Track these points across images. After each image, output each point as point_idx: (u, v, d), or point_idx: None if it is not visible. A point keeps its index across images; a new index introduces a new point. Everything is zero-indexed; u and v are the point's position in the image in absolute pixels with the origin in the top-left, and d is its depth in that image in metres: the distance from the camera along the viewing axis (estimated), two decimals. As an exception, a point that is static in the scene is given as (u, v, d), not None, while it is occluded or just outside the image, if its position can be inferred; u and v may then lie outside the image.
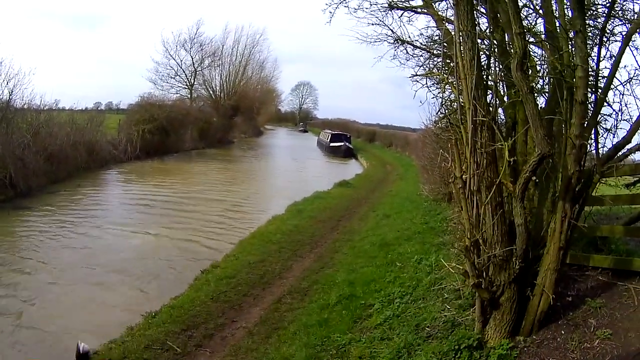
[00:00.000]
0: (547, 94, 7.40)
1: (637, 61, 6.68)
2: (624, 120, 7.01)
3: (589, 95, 6.58)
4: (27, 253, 17.60)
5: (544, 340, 7.03)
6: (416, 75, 8.59)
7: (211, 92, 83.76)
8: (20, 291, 14.12)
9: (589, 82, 6.54)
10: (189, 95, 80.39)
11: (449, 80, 7.54)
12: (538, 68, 7.62)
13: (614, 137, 7.13)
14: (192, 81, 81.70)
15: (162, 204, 27.79)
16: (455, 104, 7.45)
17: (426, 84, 8.54)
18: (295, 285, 14.21)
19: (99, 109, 63.38)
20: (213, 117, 73.30)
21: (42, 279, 15.10)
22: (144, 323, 11.59)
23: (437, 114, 11.22)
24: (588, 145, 6.78)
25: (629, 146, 7.10)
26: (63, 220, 22.59)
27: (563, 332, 7.03)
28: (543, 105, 7.05)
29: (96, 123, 40.83)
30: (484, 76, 7.05)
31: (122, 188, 33.56)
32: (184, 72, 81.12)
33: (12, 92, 28.10)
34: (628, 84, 6.85)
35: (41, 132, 31.01)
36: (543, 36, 7.43)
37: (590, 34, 7.17)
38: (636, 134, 6.97)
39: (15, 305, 13.18)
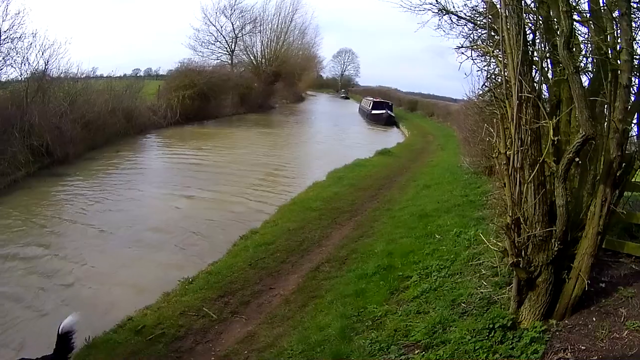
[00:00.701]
0: (590, 74, 7.22)
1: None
2: None
3: (634, 79, 6.41)
4: (68, 217, 17.94)
5: (575, 326, 6.94)
6: (461, 47, 8.44)
7: (252, 58, 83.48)
8: (60, 251, 14.41)
9: (634, 66, 6.36)
10: (229, 62, 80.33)
11: (494, 54, 7.41)
12: (582, 47, 7.42)
13: None
14: (233, 47, 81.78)
15: (200, 169, 28.04)
16: (500, 78, 7.29)
17: (471, 55, 8.39)
18: (333, 254, 14.15)
19: (137, 75, 63.25)
20: (254, 82, 72.95)
21: (81, 243, 15.35)
22: (181, 289, 11.71)
23: (481, 87, 11.01)
24: (631, 130, 6.62)
25: None
26: (101, 185, 23.05)
27: (594, 319, 6.94)
28: (586, 85, 6.86)
29: (135, 89, 41.07)
30: (530, 52, 6.89)
31: (162, 153, 33.91)
32: (224, 38, 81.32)
33: (47, 62, 28.34)
34: None
35: (78, 100, 31.26)
36: (588, 15, 7.23)
37: (635, 17, 6.95)
38: None
39: (56, 266, 13.43)
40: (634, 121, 6.73)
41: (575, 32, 6.75)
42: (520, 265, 6.83)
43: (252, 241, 14.99)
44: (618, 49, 6.34)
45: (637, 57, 6.56)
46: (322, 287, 11.87)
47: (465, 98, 26.42)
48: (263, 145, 39.25)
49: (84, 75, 35.00)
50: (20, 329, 10.55)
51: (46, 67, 28.38)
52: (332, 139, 49.07)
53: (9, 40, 25.23)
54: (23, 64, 26.77)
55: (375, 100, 75.82)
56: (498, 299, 8.35)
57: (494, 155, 7.42)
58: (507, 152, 6.68)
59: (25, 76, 26.99)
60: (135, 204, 20.13)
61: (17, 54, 26.08)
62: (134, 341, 9.21)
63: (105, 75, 41.87)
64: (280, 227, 16.38)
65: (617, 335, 6.50)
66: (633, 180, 7.34)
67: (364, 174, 27.13)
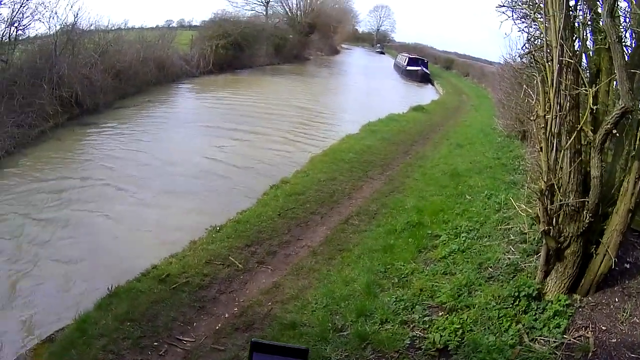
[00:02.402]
0: (629, 47, 7.04)
1: None
2: None
3: None
4: (95, 166, 18.11)
5: (598, 304, 6.92)
6: (502, 6, 8.26)
7: (287, 9, 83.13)
8: (89, 200, 14.67)
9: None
10: (264, 13, 79.97)
11: (536, 16, 7.24)
12: (622, 19, 7.23)
13: None
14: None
15: (232, 117, 28.14)
16: (541, 40, 7.12)
17: (511, 16, 8.22)
18: (363, 207, 14.18)
19: (170, 26, 63.04)
20: (289, 34, 72.50)
21: (111, 191, 15.67)
22: (208, 237, 11.70)
23: (521, 48, 10.82)
24: None
25: None
26: (131, 133, 23.34)
27: (617, 299, 6.90)
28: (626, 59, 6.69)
29: (167, 39, 40.96)
30: (572, 17, 6.72)
31: (193, 102, 34.03)
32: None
33: (76, 15, 28.28)
34: None
35: (109, 51, 31.34)
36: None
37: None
38: None
39: (84, 216, 13.65)
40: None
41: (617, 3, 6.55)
42: (551, 234, 6.75)
43: (282, 190, 15.01)
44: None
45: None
46: (351, 240, 11.88)
47: (502, 61, 26.22)
48: (296, 95, 39.24)
49: (115, 27, 35.15)
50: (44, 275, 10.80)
51: (75, 20, 28.40)
52: (366, 92, 48.86)
53: (38, -5, 25.22)
54: (51, 18, 26.74)
55: (410, 56, 74.95)
56: (525, 266, 8.31)
57: (532, 118, 7.30)
58: (546, 116, 6.54)
59: (54, 30, 26.95)
60: (166, 151, 20.27)
61: (45, 8, 26.04)
62: (157, 290, 9.24)
63: (137, 27, 41.83)
64: (311, 178, 16.39)
65: (637, 320, 6.50)
66: None
67: (398, 129, 27.04)
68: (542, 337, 6.57)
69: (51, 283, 10.46)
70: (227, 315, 8.72)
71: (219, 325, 8.44)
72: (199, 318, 8.62)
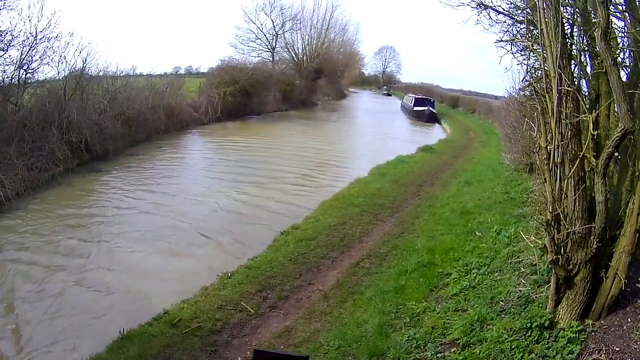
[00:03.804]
0: (628, 69, 7.12)
1: None
2: None
3: None
4: (105, 213, 18.12)
5: (611, 326, 6.85)
6: (501, 40, 8.39)
7: (293, 55, 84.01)
8: (99, 257, 14.52)
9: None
10: (270, 59, 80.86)
11: (534, 48, 7.34)
12: (619, 41, 7.32)
13: None
14: (274, 44, 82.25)
15: (243, 164, 28.24)
16: (540, 71, 7.22)
17: (510, 50, 8.34)
18: (374, 250, 14.18)
19: (178, 73, 63.85)
20: (296, 79, 73.00)
21: (122, 243, 15.46)
22: (219, 283, 11.75)
23: (522, 81, 10.94)
24: None
25: None
26: (141, 181, 23.41)
27: (630, 320, 6.84)
28: (625, 79, 6.75)
29: (176, 86, 41.34)
30: (568, 45, 6.81)
31: (203, 149, 34.11)
32: (265, 35, 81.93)
33: (85, 60, 28.58)
34: None
35: (118, 97, 31.67)
36: (624, 7, 7.11)
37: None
38: None
39: (99, 273, 13.52)
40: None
41: (612, 26, 6.64)
42: (560, 263, 6.75)
43: (292, 236, 15.00)
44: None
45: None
46: (362, 283, 11.90)
47: (506, 95, 26.36)
48: (305, 142, 39.35)
49: (124, 74, 35.39)
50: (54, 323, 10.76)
51: (84, 65, 28.70)
52: (374, 135, 49.01)
53: (45, 40, 25.54)
54: (60, 63, 27.04)
55: (417, 96, 75.67)
56: (536, 297, 8.27)
57: (534, 150, 7.41)
58: (548, 147, 6.60)
59: (63, 74, 27.25)
60: (177, 200, 20.28)
61: (54, 52, 26.38)
62: (169, 334, 9.30)
63: (145, 74, 42.33)
64: (321, 223, 16.41)
65: (651, 338, 6.42)
66: None
67: (406, 170, 27.09)
68: (555, 365, 6.53)
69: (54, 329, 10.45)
70: (239, 359, 8.74)
71: (232, 369, 8.46)
72: (211, 362, 8.63)
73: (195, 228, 16.74)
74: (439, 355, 7.66)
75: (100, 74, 31.53)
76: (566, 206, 6.66)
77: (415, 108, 70.14)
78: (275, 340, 9.21)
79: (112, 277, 12.91)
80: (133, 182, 23.03)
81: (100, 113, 28.18)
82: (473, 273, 10.58)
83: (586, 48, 7.15)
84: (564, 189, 6.62)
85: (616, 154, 6.20)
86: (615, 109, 6.63)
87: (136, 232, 16.28)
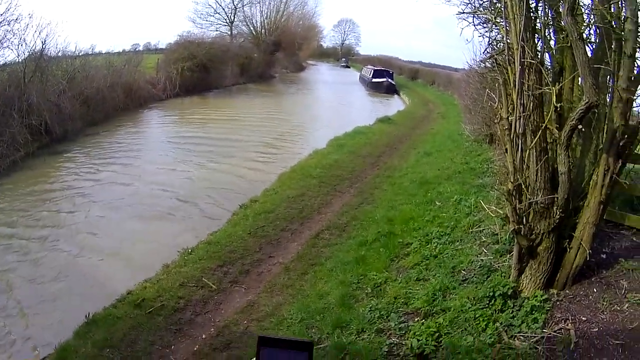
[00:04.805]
0: (593, 44, 7.13)
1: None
2: None
3: (639, 49, 6.31)
4: (67, 194, 17.75)
5: (576, 296, 6.94)
6: (463, 12, 8.33)
7: (252, 28, 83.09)
8: (62, 229, 14.50)
9: (639, 36, 6.26)
10: (229, 33, 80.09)
11: (496, 20, 7.31)
12: (585, 17, 7.32)
13: None
14: (233, 18, 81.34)
15: (200, 139, 27.96)
16: (502, 44, 7.20)
17: (472, 22, 8.29)
18: (333, 221, 14.19)
19: (136, 50, 62.77)
20: (254, 53, 72.38)
21: (81, 218, 15.36)
22: (180, 260, 11.64)
23: (483, 53, 10.92)
24: (634, 100, 6.51)
25: None
26: (101, 159, 22.87)
27: (595, 290, 6.93)
28: (590, 55, 6.76)
29: (134, 64, 40.55)
30: (533, 19, 6.78)
31: (162, 125, 33.67)
32: (223, 9, 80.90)
33: (44, 42, 27.94)
34: None
35: (77, 77, 30.96)
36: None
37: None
38: None
39: (58, 245, 13.47)
40: (639, 92, 6.63)
41: (578, 2, 6.63)
42: (522, 233, 6.79)
43: (251, 210, 14.95)
44: (622, 18, 6.23)
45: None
46: (322, 254, 11.91)
47: (466, 67, 26.42)
48: (263, 115, 39.19)
49: (82, 53, 34.56)
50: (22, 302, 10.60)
51: (43, 46, 27.97)
52: (332, 107, 49.19)
53: (6, 23, 24.98)
54: (20, 45, 26.45)
55: (375, 68, 75.55)
56: (499, 266, 8.34)
57: (495, 121, 7.37)
58: (509, 118, 6.61)
59: (23, 57, 26.69)
60: (136, 177, 19.96)
61: (13, 35, 25.85)
62: (134, 315, 9.19)
63: (104, 52, 41.58)
64: (280, 195, 16.35)
65: (618, 308, 6.50)
66: (637, 151, 7.32)
67: (365, 142, 27.11)
68: (521, 334, 6.56)
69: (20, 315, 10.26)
70: (204, 337, 8.71)
71: (197, 346, 8.44)
72: (176, 341, 8.60)
73: (155, 204, 16.61)
74: (403, 324, 7.69)
75: (60, 54, 30.92)
76: (528, 176, 6.71)
77: (374, 80, 69.92)
78: (238, 316, 9.18)
79: (74, 255, 12.80)
80: (92, 161, 22.52)
81: (59, 94, 27.48)
82: (434, 242, 10.65)
83: (551, 22, 7.15)
84: (526, 159, 6.66)
85: (580, 126, 6.22)
86: (580, 83, 6.64)
87: (95, 208, 16.10)
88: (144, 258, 12.35)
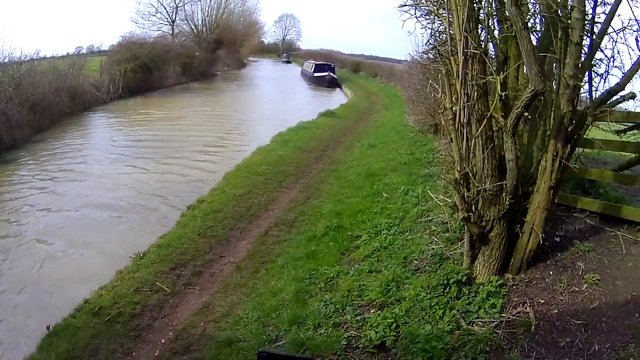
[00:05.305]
0: (538, 33, 7.27)
1: (632, 11, 6.53)
2: (615, 67, 6.96)
3: (584, 38, 6.44)
4: (16, 204, 17.39)
5: (533, 279, 7.09)
6: (404, 5, 8.40)
7: (193, 27, 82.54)
8: (11, 239, 14.15)
9: (585, 25, 6.39)
10: (170, 32, 79.58)
11: (439, 12, 7.39)
12: (530, 7, 7.45)
13: (605, 82, 7.11)
14: (174, 17, 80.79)
15: (146, 141, 27.64)
16: (445, 35, 7.28)
17: (414, 14, 8.36)
18: (281, 217, 14.24)
19: (80, 53, 61.93)
20: (196, 51, 71.96)
21: (31, 228, 15.00)
22: (133, 265, 11.53)
23: (425, 44, 11.02)
24: (581, 87, 6.66)
25: (622, 93, 7.10)
26: (49, 168, 22.25)
27: (551, 272, 7.09)
28: (535, 43, 6.89)
29: (77, 67, 39.68)
30: (476, 9, 6.87)
31: (107, 129, 33.00)
32: (165, 8, 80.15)
33: None
34: (622, 33, 6.72)
35: (23, 83, 30.24)
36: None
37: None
38: (629, 82, 6.95)
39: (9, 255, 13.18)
40: (585, 79, 6.78)
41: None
42: (472, 220, 6.90)
43: (199, 210, 14.90)
44: (569, 7, 6.35)
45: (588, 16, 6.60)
46: (273, 251, 11.94)
47: (408, 58, 26.68)
48: (206, 114, 38.99)
49: (28, 58, 33.87)
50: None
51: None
52: (275, 103, 49.06)
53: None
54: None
55: (317, 63, 75.81)
56: (451, 254, 8.47)
57: (439, 111, 7.45)
58: (453, 107, 6.70)
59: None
60: (84, 184, 19.52)
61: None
62: (93, 324, 9.06)
63: (48, 56, 40.81)
64: (227, 194, 16.30)
65: (577, 289, 6.66)
66: (585, 136, 7.51)
67: (308, 136, 27.25)
68: (479, 320, 6.68)
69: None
70: (163, 341, 8.66)
71: (158, 352, 8.37)
72: (137, 347, 8.53)
73: (105, 210, 16.37)
74: (359, 317, 7.74)
75: (6, 60, 30.39)
76: (475, 165, 6.80)
77: (316, 74, 70.13)
78: (195, 318, 9.15)
79: (29, 265, 12.58)
80: (41, 169, 21.88)
81: (6, 101, 26.93)
82: (383, 234, 10.75)
83: (494, 13, 7.26)
84: (472, 148, 6.76)
85: (526, 113, 6.32)
86: (525, 71, 6.76)
87: (46, 218, 15.79)
88: (98, 265, 12.22)
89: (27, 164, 23.05)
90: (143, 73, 48.82)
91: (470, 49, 6.42)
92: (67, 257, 13.08)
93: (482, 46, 6.87)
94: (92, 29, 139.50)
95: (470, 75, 6.52)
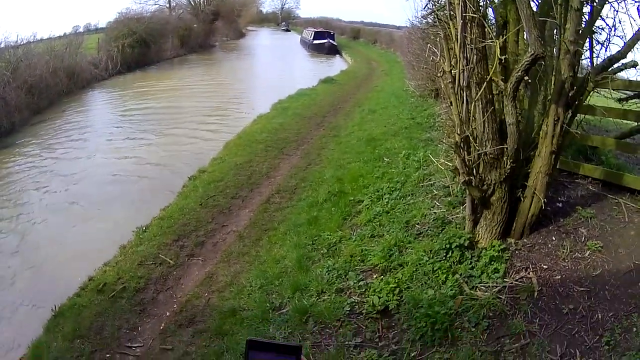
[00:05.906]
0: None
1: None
2: (617, 36, 6.84)
3: (585, 4, 6.35)
4: (21, 186, 17.32)
5: (535, 244, 7.06)
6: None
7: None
8: (17, 219, 14.16)
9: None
10: (167, 6, 78.95)
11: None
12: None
13: (606, 50, 7.00)
14: (170, -10, 79.88)
15: (147, 114, 27.56)
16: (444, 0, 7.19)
17: (413, -22, 8.27)
18: (283, 184, 14.23)
19: (77, 32, 61.64)
20: (193, 23, 71.50)
21: (38, 208, 14.97)
22: (135, 239, 11.52)
23: (423, 9, 10.94)
24: (582, 53, 6.60)
25: (623, 61, 7.03)
26: (51, 147, 22.14)
27: (554, 238, 7.05)
28: (535, 9, 6.79)
29: (75, 46, 39.21)
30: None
31: (107, 105, 32.87)
32: (161, -19, 79.23)
33: None
34: (623, 2, 6.59)
35: (20, 66, 29.94)
36: None
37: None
38: (631, 51, 6.89)
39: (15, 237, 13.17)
40: (586, 46, 6.70)
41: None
42: (473, 184, 6.85)
43: (200, 180, 14.86)
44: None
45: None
46: (275, 219, 11.94)
47: (408, 24, 26.50)
48: (205, 84, 38.78)
49: (25, 41, 33.68)
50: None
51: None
52: (274, 71, 48.50)
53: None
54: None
55: (316, 30, 75.34)
56: (452, 218, 8.43)
57: (438, 75, 7.36)
58: (452, 71, 6.61)
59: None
60: (87, 161, 19.48)
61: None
62: (98, 301, 9.07)
63: (45, 38, 40.54)
64: (227, 163, 16.28)
65: (579, 255, 6.63)
66: (587, 103, 7.46)
67: (309, 103, 27.13)
68: (482, 284, 6.68)
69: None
70: (168, 314, 8.70)
71: (163, 325, 8.41)
72: (142, 322, 8.56)
73: (109, 185, 16.33)
74: (362, 282, 7.75)
75: (2, 45, 30.25)
76: (475, 128, 6.73)
77: (315, 41, 69.86)
78: (199, 289, 9.18)
79: (33, 247, 12.52)
80: (42, 150, 21.72)
81: (4, 86, 26.65)
82: (385, 198, 10.72)
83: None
84: (472, 111, 6.68)
85: (526, 77, 6.24)
86: (525, 36, 6.67)
87: (51, 198, 15.72)
88: (101, 242, 12.10)
89: (27, 145, 22.91)
90: (141, 48, 48.54)
91: (468, 12, 6.32)
92: (69, 237, 12.99)
93: (481, 10, 6.77)
94: (90, 7, 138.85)
95: (469, 39, 6.42)
